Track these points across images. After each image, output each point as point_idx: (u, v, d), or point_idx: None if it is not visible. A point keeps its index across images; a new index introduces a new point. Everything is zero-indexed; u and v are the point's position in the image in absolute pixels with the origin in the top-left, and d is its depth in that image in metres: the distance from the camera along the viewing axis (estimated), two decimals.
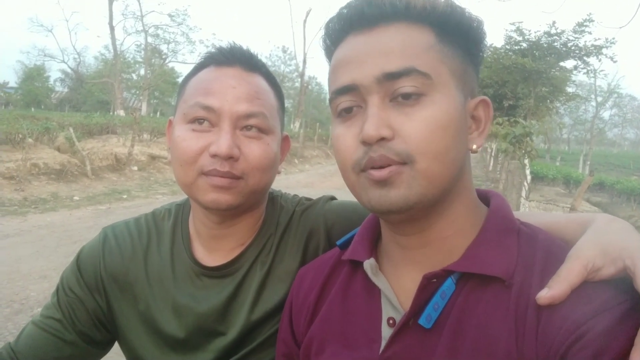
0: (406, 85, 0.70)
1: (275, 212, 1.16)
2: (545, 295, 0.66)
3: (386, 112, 0.71)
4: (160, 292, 1.09)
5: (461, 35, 0.76)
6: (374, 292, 0.85)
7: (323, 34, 0.82)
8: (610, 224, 0.76)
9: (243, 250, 1.10)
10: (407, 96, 0.71)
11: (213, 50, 1.06)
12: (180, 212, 1.18)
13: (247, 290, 1.07)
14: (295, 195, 1.26)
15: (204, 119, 0.98)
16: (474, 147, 0.78)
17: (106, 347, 1.16)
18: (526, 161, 9.35)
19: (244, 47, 1.06)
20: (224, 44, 1.06)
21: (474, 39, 0.78)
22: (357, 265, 0.90)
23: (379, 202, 0.73)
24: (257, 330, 1.05)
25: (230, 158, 0.96)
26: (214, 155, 0.95)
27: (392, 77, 0.71)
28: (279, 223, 1.14)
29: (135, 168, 14.96)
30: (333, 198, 1.22)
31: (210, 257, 1.10)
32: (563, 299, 0.65)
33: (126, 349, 1.13)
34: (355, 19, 0.75)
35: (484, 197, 0.88)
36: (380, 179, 0.72)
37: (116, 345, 1.18)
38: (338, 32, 0.79)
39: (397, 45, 0.72)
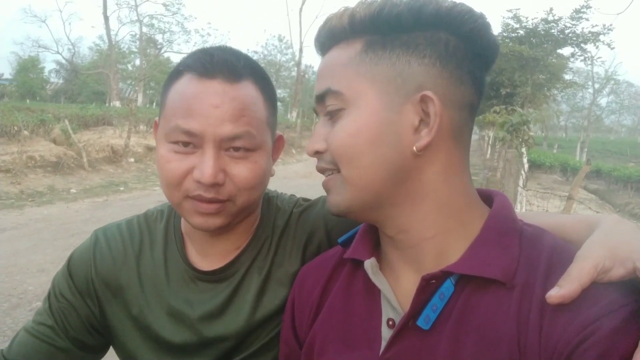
0: (329, 104, 0.79)
1: (271, 214, 1.13)
2: (555, 294, 0.65)
3: (325, 127, 0.81)
4: (153, 296, 1.06)
5: (397, 30, 0.74)
6: (374, 292, 0.85)
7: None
8: (618, 225, 0.75)
9: (238, 254, 1.07)
10: (332, 113, 0.79)
11: (190, 60, 0.96)
12: (172, 213, 1.14)
13: (245, 295, 1.04)
14: (292, 195, 1.22)
15: (187, 143, 0.92)
16: (414, 148, 0.74)
17: (101, 352, 1.14)
18: (523, 149, 9.35)
19: (227, 52, 0.97)
20: (207, 46, 1.00)
21: (417, 27, 0.74)
22: (358, 264, 0.89)
23: (328, 206, 0.83)
24: (255, 335, 1.04)
25: (215, 185, 0.91)
26: (197, 182, 0.91)
27: (319, 99, 0.81)
28: (275, 225, 1.11)
29: (132, 160, 14.92)
30: None
31: (204, 261, 1.07)
32: (573, 299, 0.64)
33: (121, 353, 1.11)
34: (317, 44, 0.85)
35: (487, 197, 0.86)
36: (323, 186, 0.84)
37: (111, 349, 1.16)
38: (320, 52, 0.88)
39: (323, 69, 0.81)
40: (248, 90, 0.95)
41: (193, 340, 1.04)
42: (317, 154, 0.82)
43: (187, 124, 0.90)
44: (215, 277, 1.06)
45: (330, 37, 0.81)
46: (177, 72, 0.96)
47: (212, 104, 0.90)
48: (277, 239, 1.09)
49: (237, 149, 0.93)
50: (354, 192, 0.77)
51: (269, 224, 1.11)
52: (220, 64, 0.93)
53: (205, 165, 0.89)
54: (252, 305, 1.03)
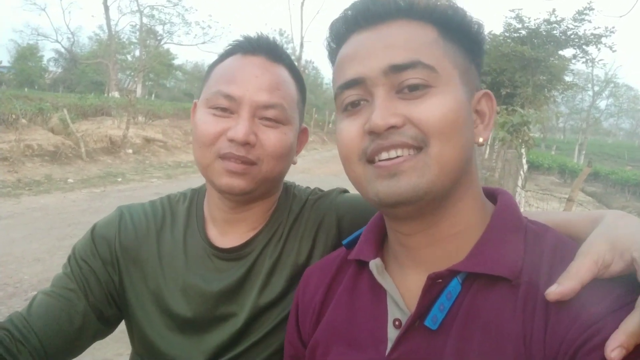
0: (412, 78, 0.73)
1: (288, 200, 1.19)
2: (554, 290, 0.65)
3: (393, 103, 0.73)
4: (170, 271, 1.11)
5: (463, 36, 0.79)
6: (380, 292, 0.84)
7: (327, 35, 0.85)
8: (620, 219, 0.75)
9: (255, 234, 1.12)
10: (413, 87, 0.73)
11: (241, 38, 1.09)
12: (195, 196, 1.22)
13: (257, 275, 1.09)
14: (307, 187, 1.28)
15: (225, 108, 1.01)
16: (480, 140, 0.79)
17: (112, 327, 1.16)
18: (523, 150, 9.36)
19: (270, 38, 1.10)
20: (251, 33, 1.11)
21: (475, 40, 0.80)
22: (363, 265, 0.89)
23: (387, 193, 0.73)
24: (265, 316, 1.07)
25: (246, 144, 0.99)
26: (231, 140, 0.99)
27: (398, 69, 0.73)
28: (291, 210, 1.17)
29: (130, 151, 14.88)
30: (345, 191, 1.24)
31: (223, 239, 1.13)
32: (572, 296, 0.64)
33: (135, 327, 1.13)
34: (360, 16, 0.78)
35: (491, 195, 0.86)
36: (390, 169, 0.72)
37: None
38: (342, 32, 0.82)
39: (402, 40, 0.75)
40: (284, 72, 1.08)
41: (205, 316, 1.07)
42: (391, 128, 0.72)
43: (228, 89, 1.01)
44: (231, 255, 1.10)
45: (408, 7, 0.76)
46: (225, 53, 1.10)
47: (253, 74, 1.03)
48: (291, 223, 1.15)
49: (269, 119, 1.02)
50: (439, 174, 0.72)
51: (285, 208, 1.17)
52: (264, 44, 1.07)
53: (240, 125, 0.99)
54: (263, 284, 1.07)
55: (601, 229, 0.73)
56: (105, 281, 1.11)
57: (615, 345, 0.57)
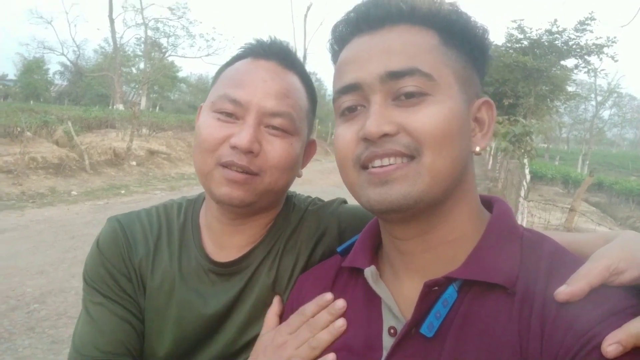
0: (409, 85, 0.72)
1: (288, 211, 1.15)
2: (564, 291, 0.65)
3: (389, 110, 0.73)
4: (165, 286, 1.06)
5: (466, 41, 0.78)
6: (374, 300, 0.84)
7: (330, 37, 0.84)
8: (638, 236, 0.75)
9: (252, 247, 1.08)
10: (409, 95, 0.73)
11: (253, 42, 1.05)
12: (191, 207, 1.16)
13: (252, 291, 1.05)
14: (308, 196, 1.25)
15: (230, 113, 0.97)
16: (477, 149, 0.79)
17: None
18: (525, 160, 9.34)
19: (284, 43, 1.06)
20: (264, 37, 1.06)
21: (479, 47, 0.79)
22: (357, 272, 0.89)
23: (379, 200, 0.74)
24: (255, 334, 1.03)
25: (249, 152, 0.95)
26: (233, 147, 0.95)
27: (395, 76, 0.73)
28: (290, 221, 1.13)
29: (134, 163, 14.92)
30: (345, 202, 1.21)
31: (220, 253, 1.08)
32: (581, 297, 0.64)
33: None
34: (362, 20, 0.78)
35: (487, 203, 0.87)
36: (382, 177, 0.73)
37: None
38: (344, 35, 0.81)
39: (401, 46, 0.74)
40: (295, 80, 1.04)
41: (198, 333, 1.03)
42: (385, 136, 0.72)
43: (235, 93, 0.97)
44: (229, 269, 1.06)
45: (410, 12, 0.76)
46: (236, 56, 1.06)
47: (262, 78, 0.98)
48: (289, 234, 1.10)
49: (275, 128, 0.96)
50: (430, 184, 0.72)
51: (285, 220, 1.12)
52: (277, 49, 1.03)
53: (244, 132, 0.94)
54: (257, 301, 1.03)
55: (618, 241, 0.73)
56: (129, 290, 1.07)
57: (614, 340, 0.58)
